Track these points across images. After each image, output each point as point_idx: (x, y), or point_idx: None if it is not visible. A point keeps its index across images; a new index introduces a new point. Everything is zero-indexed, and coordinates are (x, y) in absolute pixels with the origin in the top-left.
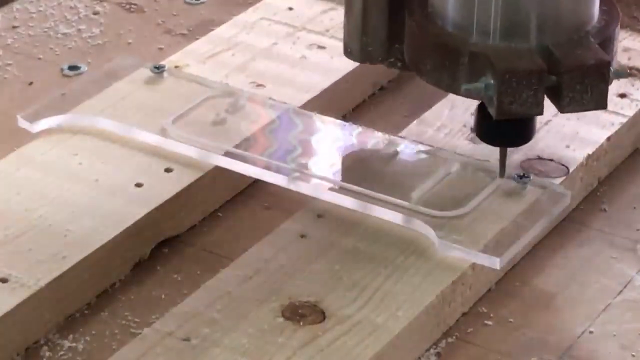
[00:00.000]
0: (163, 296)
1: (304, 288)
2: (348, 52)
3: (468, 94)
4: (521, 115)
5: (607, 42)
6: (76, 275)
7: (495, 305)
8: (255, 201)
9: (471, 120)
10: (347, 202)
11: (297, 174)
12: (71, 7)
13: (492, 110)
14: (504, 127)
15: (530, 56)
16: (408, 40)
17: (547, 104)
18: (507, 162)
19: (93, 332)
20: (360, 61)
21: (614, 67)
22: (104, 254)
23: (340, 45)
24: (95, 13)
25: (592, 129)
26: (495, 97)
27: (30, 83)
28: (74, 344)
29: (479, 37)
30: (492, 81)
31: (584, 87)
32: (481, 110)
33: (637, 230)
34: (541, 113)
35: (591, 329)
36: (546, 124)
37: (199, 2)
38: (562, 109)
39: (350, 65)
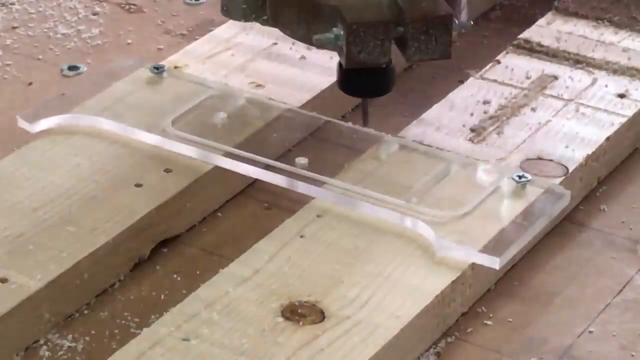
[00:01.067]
0: (163, 296)
1: (303, 288)
2: (224, 11)
3: (320, 44)
4: (370, 64)
5: None
6: (76, 275)
7: (494, 305)
8: (255, 201)
9: (471, 121)
10: (347, 202)
11: (297, 174)
12: (71, 8)
13: (342, 60)
14: (362, 77)
15: (378, 8)
16: None
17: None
18: (508, 161)
19: (93, 332)
20: (236, 19)
21: (461, 20)
22: (104, 254)
23: None
24: (95, 13)
25: (591, 129)
26: (344, 47)
27: (30, 83)
28: (73, 344)
29: None
30: (341, 32)
31: (429, 38)
32: (340, 64)
33: (637, 230)
34: (389, 62)
35: (591, 329)
36: (546, 124)
37: (198, 2)
38: (408, 58)
39: None
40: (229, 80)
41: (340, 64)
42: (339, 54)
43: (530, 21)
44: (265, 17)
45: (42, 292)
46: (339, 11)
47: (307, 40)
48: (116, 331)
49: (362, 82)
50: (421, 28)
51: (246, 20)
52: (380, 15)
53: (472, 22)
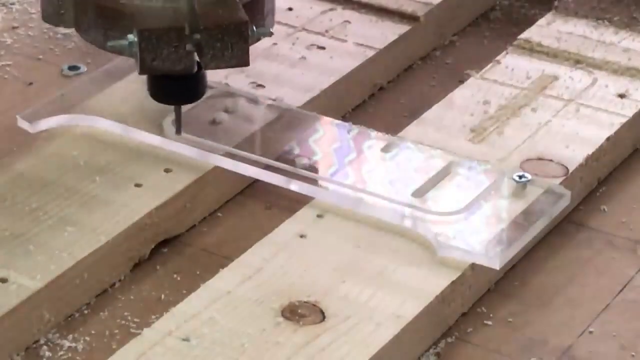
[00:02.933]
0: (163, 296)
1: (303, 288)
2: (45, 17)
3: (114, 51)
4: (165, 72)
5: (254, 3)
6: (76, 275)
7: (494, 305)
8: (255, 201)
9: (471, 121)
10: (347, 202)
11: (297, 174)
12: None
13: (137, 67)
14: (169, 85)
15: (173, 14)
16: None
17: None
18: (508, 162)
19: (93, 332)
20: (55, 24)
21: (266, 27)
22: (104, 254)
23: (340, 45)
24: None
25: (591, 129)
26: (137, 54)
27: (30, 83)
28: (73, 344)
29: None
30: (135, 39)
31: (224, 45)
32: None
33: (637, 230)
34: (187, 70)
35: (591, 329)
36: (546, 124)
37: None
38: (205, 65)
39: (350, 65)
40: (229, 80)
41: None
42: (135, 61)
43: (530, 21)
44: None
45: (42, 292)
46: (133, 17)
47: (104, 47)
48: (116, 331)
49: (168, 88)
50: (216, 35)
51: (66, 27)
52: (174, 21)
53: (272, 30)
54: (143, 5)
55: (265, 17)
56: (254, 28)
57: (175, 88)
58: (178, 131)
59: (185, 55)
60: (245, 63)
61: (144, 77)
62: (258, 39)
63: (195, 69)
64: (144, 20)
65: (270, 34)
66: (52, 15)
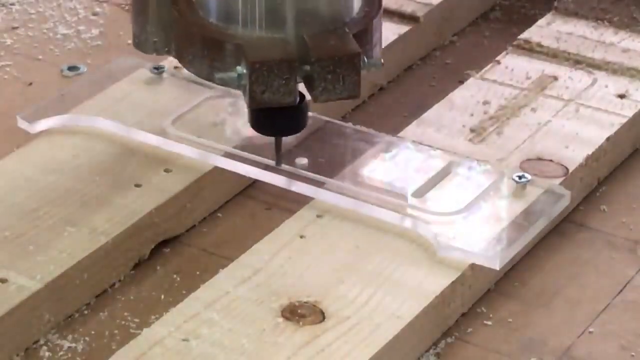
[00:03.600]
0: (163, 296)
1: (303, 288)
2: (136, 43)
3: (223, 83)
4: (275, 104)
5: (363, 33)
6: (76, 275)
7: (494, 305)
8: (255, 201)
9: (471, 121)
10: (347, 202)
11: (296, 175)
12: (70, 8)
13: (246, 100)
14: (273, 117)
15: (283, 46)
16: (174, 29)
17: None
18: (508, 162)
19: (92, 332)
20: (148, 52)
21: (374, 57)
22: (104, 254)
23: None
24: (95, 14)
25: (591, 130)
26: (247, 86)
27: (30, 84)
28: (73, 344)
29: (237, 27)
30: (244, 71)
31: (336, 77)
32: None
33: (637, 230)
34: (294, 102)
35: (591, 329)
36: (546, 124)
37: None
38: (315, 98)
39: None
40: None
41: None
42: (243, 94)
43: (530, 21)
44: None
45: (42, 293)
46: (242, 49)
47: (211, 78)
48: (116, 331)
49: (273, 120)
50: (328, 67)
51: (158, 54)
52: (285, 53)
53: (382, 61)
54: (251, 36)
55: (374, 48)
56: (365, 59)
57: (281, 120)
58: (278, 163)
59: (295, 87)
60: (357, 95)
61: (144, 78)
62: (367, 70)
63: (298, 99)
64: (253, 52)
65: (381, 65)
66: (143, 42)
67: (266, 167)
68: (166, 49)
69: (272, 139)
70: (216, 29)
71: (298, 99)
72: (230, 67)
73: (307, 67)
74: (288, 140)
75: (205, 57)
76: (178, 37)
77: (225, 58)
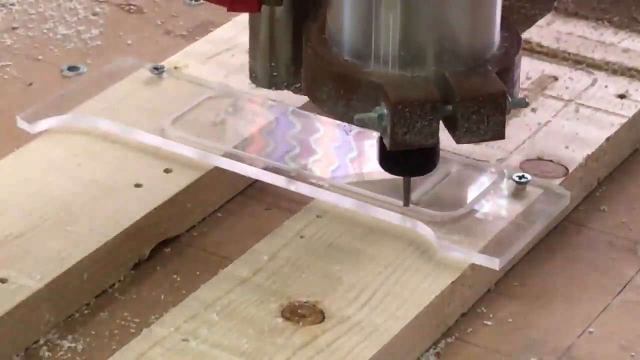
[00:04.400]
0: (163, 296)
1: (303, 288)
2: (254, 78)
3: (362, 124)
4: (416, 146)
5: (506, 71)
6: (76, 275)
7: (494, 305)
8: (255, 201)
9: None
10: (347, 202)
11: (296, 175)
12: (70, 9)
13: (386, 141)
14: (406, 157)
15: (425, 85)
16: (305, 67)
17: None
18: (508, 161)
19: (93, 332)
20: (265, 87)
21: (514, 95)
22: (104, 254)
23: None
24: (95, 14)
25: (591, 130)
26: (389, 128)
27: (30, 84)
28: (73, 344)
29: (375, 65)
30: (385, 111)
31: (480, 117)
32: (381, 141)
33: (637, 230)
34: (436, 143)
35: (591, 329)
36: (545, 124)
37: (198, 3)
38: (458, 139)
39: None
40: (229, 81)
41: (380, 139)
42: (382, 135)
43: (530, 22)
44: (297, 85)
45: (42, 293)
46: (382, 88)
47: (347, 118)
48: (116, 331)
49: (407, 161)
50: (472, 107)
51: (277, 89)
52: (428, 93)
53: (527, 100)
54: (390, 74)
55: (514, 86)
56: (509, 98)
57: (415, 160)
58: (406, 203)
59: (438, 128)
60: (501, 136)
61: (144, 78)
62: (509, 111)
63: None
64: (394, 92)
65: (527, 105)
66: (261, 78)
67: (266, 168)
68: (285, 83)
69: (273, 139)
70: (352, 67)
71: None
72: (369, 108)
73: (449, 107)
74: (289, 140)
75: (341, 97)
76: (310, 74)
77: (363, 98)
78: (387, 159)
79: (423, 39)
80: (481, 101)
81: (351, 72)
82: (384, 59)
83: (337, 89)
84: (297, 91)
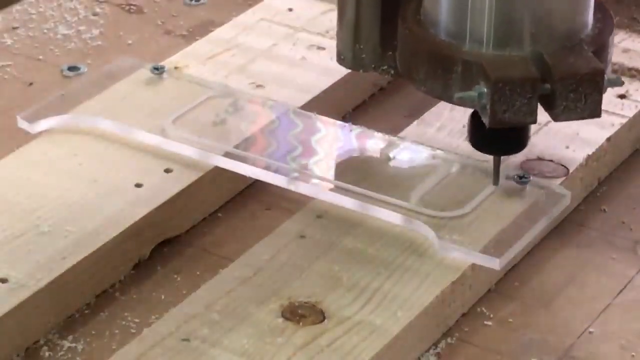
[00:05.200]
0: (163, 296)
1: (303, 288)
2: (341, 60)
3: (461, 103)
4: (515, 124)
5: (601, 50)
6: (76, 275)
7: (495, 305)
8: (255, 201)
9: None
10: (347, 202)
11: (296, 175)
12: (71, 9)
13: (485, 119)
14: (498, 136)
15: (524, 64)
16: (401, 48)
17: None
18: (507, 162)
19: (93, 332)
20: (353, 69)
21: (607, 75)
22: (104, 254)
23: None
24: (95, 14)
25: (592, 130)
26: (488, 106)
27: (30, 84)
28: (73, 344)
29: (472, 45)
30: (485, 90)
31: (578, 96)
32: (475, 119)
33: (637, 230)
34: (535, 121)
35: (591, 329)
36: (546, 124)
37: (198, 3)
38: (555, 117)
39: None
40: (229, 81)
41: (473, 118)
42: (481, 113)
43: None
44: (384, 67)
45: (42, 293)
46: (482, 67)
47: (446, 97)
48: (116, 331)
49: (502, 139)
50: (571, 86)
51: (364, 71)
52: (527, 71)
53: (622, 79)
54: (488, 54)
55: (608, 65)
56: (606, 77)
57: (508, 138)
58: (496, 182)
59: (536, 107)
60: (598, 115)
61: (144, 78)
62: (606, 89)
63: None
64: (495, 70)
65: (622, 83)
66: (350, 59)
67: (266, 168)
68: (373, 65)
69: (273, 139)
70: (449, 46)
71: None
72: (467, 87)
73: (548, 86)
74: (289, 140)
75: (438, 76)
76: (407, 55)
77: (461, 77)
78: (482, 137)
79: (519, 18)
80: (579, 80)
81: (448, 51)
82: (479, 39)
83: (434, 69)
84: (384, 73)
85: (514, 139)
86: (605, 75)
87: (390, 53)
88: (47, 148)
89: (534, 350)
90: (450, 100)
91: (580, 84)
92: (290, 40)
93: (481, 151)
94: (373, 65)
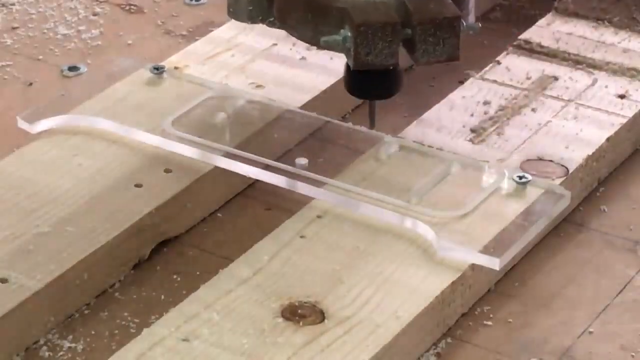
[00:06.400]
0: (163, 296)
1: (303, 288)
2: (231, 12)
3: (328, 47)
4: (377, 66)
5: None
6: (76, 275)
7: (495, 305)
8: (255, 201)
9: (471, 121)
10: (347, 202)
11: (297, 175)
12: (71, 9)
13: (350, 62)
14: (369, 80)
15: (386, 10)
16: None
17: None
18: (507, 162)
19: (93, 332)
20: (242, 21)
21: (469, 21)
22: (104, 254)
23: None
24: (95, 14)
25: (591, 130)
26: (352, 49)
27: (30, 84)
28: (73, 344)
29: None
30: (349, 34)
31: (436, 40)
32: (348, 65)
33: (637, 230)
34: (396, 64)
35: (591, 329)
36: (546, 124)
37: (198, 3)
38: (416, 60)
39: None
40: (229, 81)
41: (347, 65)
42: (347, 56)
43: (530, 22)
44: (271, 19)
45: (42, 293)
46: (347, 12)
47: (315, 42)
48: (116, 331)
49: (369, 83)
50: (429, 30)
51: (252, 22)
52: (388, 16)
53: (479, 25)
54: (355, 1)
55: (469, 13)
56: (463, 23)
57: (378, 83)
58: (372, 125)
59: (397, 50)
60: (456, 58)
61: (144, 78)
62: (465, 34)
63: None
64: (358, 15)
65: (478, 28)
66: (238, 11)
67: (266, 168)
68: (260, 17)
69: (273, 139)
70: None
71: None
72: (335, 32)
73: (408, 31)
74: (289, 139)
75: (309, 22)
76: (281, 3)
77: (330, 22)
78: (353, 82)
79: None
80: (437, 25)
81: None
82: None
83: (305, 15)
84: (271, 25)
85: (383, 83)
86: (463, 21)
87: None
88: (47, 148)
89: (534, 350)
90: (318, 45)
91: (438, 28)
92: (290, 40)
93: (354, 95)
94: (260, 17)
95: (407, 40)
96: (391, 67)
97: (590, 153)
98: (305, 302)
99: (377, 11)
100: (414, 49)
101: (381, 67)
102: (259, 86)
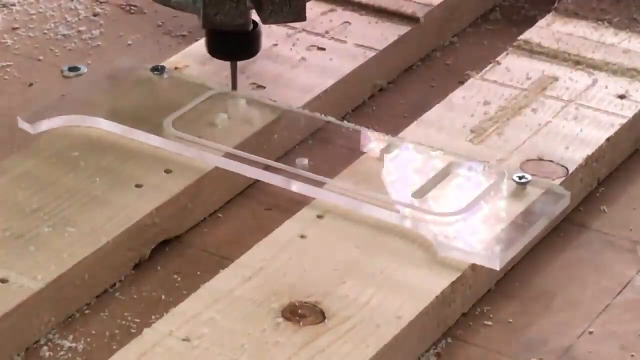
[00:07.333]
0: (163, 296)
1: (304, 288)
2: None
3: (179, 7)
4: (227, 26)
5: None
6: (76, 275)
7: (495, 305)
8: (255, 201)
9: (471, 121)
10: (347, 202)
11: (297, 175)
12: (71, 9)
13: (200, 21)
14: (227, 41)
15: None
16: None
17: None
18: (508, 162)
19: (93, 332)
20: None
21: None
22: (104, 254)
23: (340, 46)
24: (95, 14)
25: (591, 130)
26: (202, 9)
27: (30, 84)
28: (74, 344)
29: None
30: None
31: (283, 1)
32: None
33: (637, 230)
34: (246, 24)
35: (591, 329)
36: (546, 125)
37: None
38: (264, 20)
39: (350, 66)
40: (229, 81)
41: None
42: (198, 16)
43: (530, 22)
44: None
45: (43, 293)
46: None
47: (167, 2)
48: (116, 331)
49: (227, 44)
50: None
51: (166, 6)
52: None
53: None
54: None
55: None
56: None
57: (234, 44)
58: (234, 87)
59: (246, 10)
60: (302, 18)
61: (144, 78)
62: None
63: (251, 26)
64: None
65: None
66: None
67: (266, 168)
68: None
69: (273, 139)
70: None
71: (251, 25)
72: None
73: None
74: (289, 140)
75: None
76: None
77: None
78: (212, 43)
79: None
80: None
81: None
82: None
83: None
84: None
85: (241, 45)
86: None
87: None
88: (47, 148)
89: (534, 350)
90: (170, 4)
91: None
92: (290, 40)
93: (214, 57)
94: None
95: (257, 0)
96: (248, 29)
97: (590, 153)
98: (305, 302)
99: None
100: (262, 10)
101: (232, 27)
102: (259, 86)
